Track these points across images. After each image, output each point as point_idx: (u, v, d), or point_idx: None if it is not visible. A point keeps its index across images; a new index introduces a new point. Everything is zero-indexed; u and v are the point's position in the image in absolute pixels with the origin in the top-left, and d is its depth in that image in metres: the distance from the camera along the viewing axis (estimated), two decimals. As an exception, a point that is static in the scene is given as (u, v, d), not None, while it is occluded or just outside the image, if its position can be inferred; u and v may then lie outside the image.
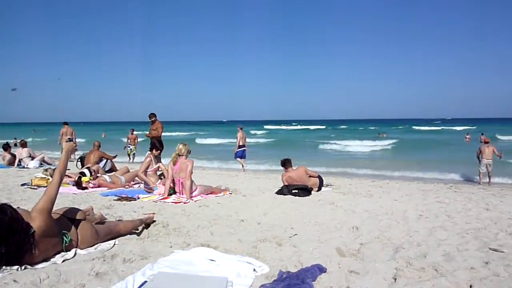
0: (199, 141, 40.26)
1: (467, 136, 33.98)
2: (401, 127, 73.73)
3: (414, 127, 69.77)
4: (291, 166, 8.64)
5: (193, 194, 7.12)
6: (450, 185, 10.94)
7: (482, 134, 30.33)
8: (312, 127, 74.61)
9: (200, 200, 6.99)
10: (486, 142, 13.61)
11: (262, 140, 40.06)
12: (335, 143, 32.57)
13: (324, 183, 8.92)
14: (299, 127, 79.06)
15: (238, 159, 15.06)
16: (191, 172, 7.10)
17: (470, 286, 3.09)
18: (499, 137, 37.64)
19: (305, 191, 7.95)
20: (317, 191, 8.42)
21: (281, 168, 8.81)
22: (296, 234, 4.67)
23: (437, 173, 14.51)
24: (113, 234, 4.10)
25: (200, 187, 7.45)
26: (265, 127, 74.23)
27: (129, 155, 18.42)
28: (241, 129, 15.07)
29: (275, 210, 6.24)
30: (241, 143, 14.81)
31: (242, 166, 14.89)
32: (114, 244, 3.93)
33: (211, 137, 44.84)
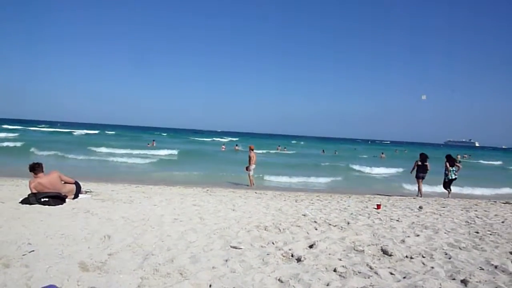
0: None
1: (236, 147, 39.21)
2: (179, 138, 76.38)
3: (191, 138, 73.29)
4: (42, 171, 7.51)
5: None
6: (207, 189, 11.95)
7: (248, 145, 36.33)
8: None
9: None
10: (251, 149, 15.25)
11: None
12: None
13: (82, 189, 8.18)
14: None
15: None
16: None
17: (210, 286, 3.33)
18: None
19: (57, 199, 7.05)
20: (73, 198, 7.61)
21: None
22: (33, 251, 4.01)
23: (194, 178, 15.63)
24: None
25: None
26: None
27: None
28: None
29: (13, 223, 5.23)
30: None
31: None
32: None
33: None
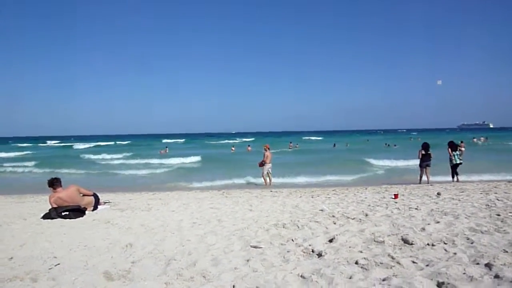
0: None
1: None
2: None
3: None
4: (61, 186, 7.67)
5: None
6: (223, 191, 12.03)
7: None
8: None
9: None
10: (267, 149, 15.27)
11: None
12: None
13: (101, 200, 8.32)
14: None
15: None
16: None
17: (233, 286, 3.36)
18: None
19: (77, 212, 7.20)
20: (93, 210, 7.76)
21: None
22: (58, 264, 4.10)
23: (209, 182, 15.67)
24: None
25: None
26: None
27: None
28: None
29: (37, 239, 5.36)
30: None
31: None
32: None
33: None
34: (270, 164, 14.36)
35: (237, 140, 70.08)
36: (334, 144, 45.14)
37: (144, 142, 71.72)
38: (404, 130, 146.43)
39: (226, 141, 71.36)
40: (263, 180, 14.40)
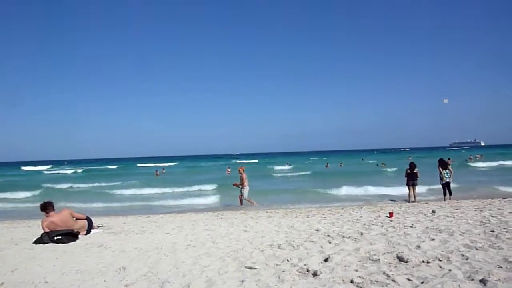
0: None
1: (228, 170, 38.15)
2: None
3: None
4: (54, 210, 7.60)
5: None
6: (218, 212, 11.95)
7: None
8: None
9: None
10: (241, 171, 15.17)
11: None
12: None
13: (94, 224, 8.24)
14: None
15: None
16: None
17: (227, 307, 3.33)
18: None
19: (70, 236, 7.12)
20: (86, 234, 7.67)
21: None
22: (50, 289, 4.04)
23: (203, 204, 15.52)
24: None
25: None
26: None
27: None
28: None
29: (29, 263, 5.29)
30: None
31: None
32: None
33: None
34: (247, 187, 14.25)
35: (239, 161, 69.82)
36: (327, 164, 44.92)
37: (133, 165, 70.65)
38: (402, 149, 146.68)
39: (226, 162, 70.68)
40: (239, 201, 14.21)
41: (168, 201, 17.11)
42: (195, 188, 23.35)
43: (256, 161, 73.22)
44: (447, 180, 13.59)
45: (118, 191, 22.75)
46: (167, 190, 23.12)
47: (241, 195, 14.20)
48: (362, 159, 59.67)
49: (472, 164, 37.44)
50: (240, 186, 14.26)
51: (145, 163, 74.02)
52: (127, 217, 11.41)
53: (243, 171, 14.62)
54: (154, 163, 69.04)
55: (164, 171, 39.19)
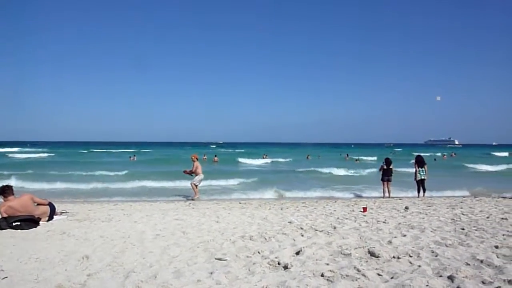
0: None
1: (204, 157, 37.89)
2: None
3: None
4: (13, 194, 7.18)
5: None
6: (189, 202, 11.73)
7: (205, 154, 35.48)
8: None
9: None
10: (195, 159, 14.84)
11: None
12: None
13: (57, 210, 7.88)
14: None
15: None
16: None
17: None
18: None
19: (30, 222, 6.75)
20: (48, 220, 7.32)
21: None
22: (6, 277, 3.78)
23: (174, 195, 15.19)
24: None
25: None
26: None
27: None
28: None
29: (-18, 251, 4.95)
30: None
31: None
32: None
33: None
34: (202, 175, 14.00)
35: (223, 150, 68.98)
36: (308, 155, 47.02)
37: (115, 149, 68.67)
38: (389, 145, 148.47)
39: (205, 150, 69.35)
40: (194, 191, 13.91)
41: (138, 188, 16.67)
42: (168, 175, 22.98)
43: (242, 151, 72.19)
44: (422, 177, 13.76)
45: (85, 174, 22.05)
46: (139, 177, 22.62)
47: (193, 182, 13.88)
48: (340, 154, 59.20)
49: (445, 163, 38.60)
50: (191, 173, 14.03)
51: (122, 149, 71.58)
52: (92, 204, 10.99)
53: (196, 159, 14.36)
54: (129, 149, 67.40)
55: (135, 158, 38.35)
